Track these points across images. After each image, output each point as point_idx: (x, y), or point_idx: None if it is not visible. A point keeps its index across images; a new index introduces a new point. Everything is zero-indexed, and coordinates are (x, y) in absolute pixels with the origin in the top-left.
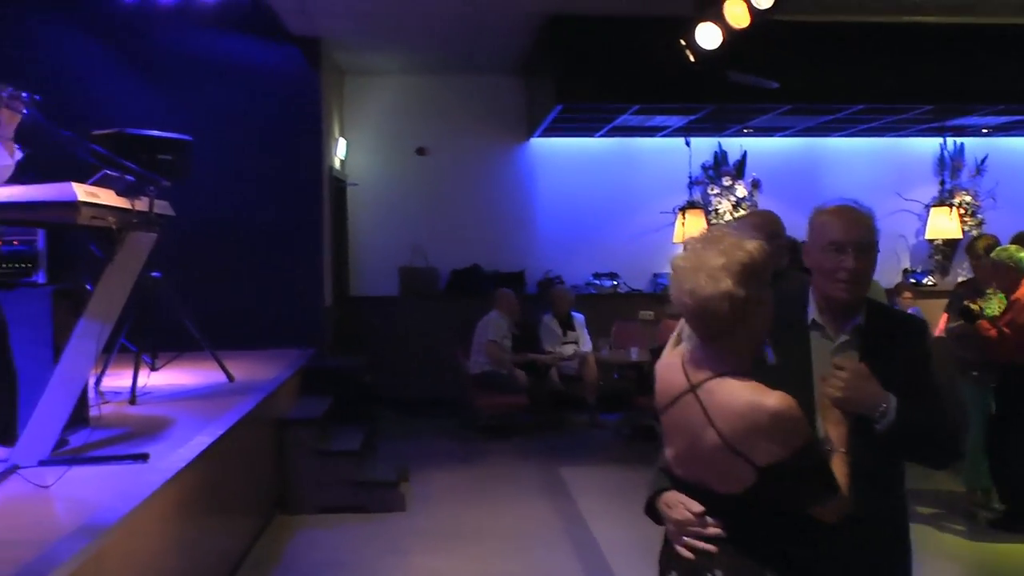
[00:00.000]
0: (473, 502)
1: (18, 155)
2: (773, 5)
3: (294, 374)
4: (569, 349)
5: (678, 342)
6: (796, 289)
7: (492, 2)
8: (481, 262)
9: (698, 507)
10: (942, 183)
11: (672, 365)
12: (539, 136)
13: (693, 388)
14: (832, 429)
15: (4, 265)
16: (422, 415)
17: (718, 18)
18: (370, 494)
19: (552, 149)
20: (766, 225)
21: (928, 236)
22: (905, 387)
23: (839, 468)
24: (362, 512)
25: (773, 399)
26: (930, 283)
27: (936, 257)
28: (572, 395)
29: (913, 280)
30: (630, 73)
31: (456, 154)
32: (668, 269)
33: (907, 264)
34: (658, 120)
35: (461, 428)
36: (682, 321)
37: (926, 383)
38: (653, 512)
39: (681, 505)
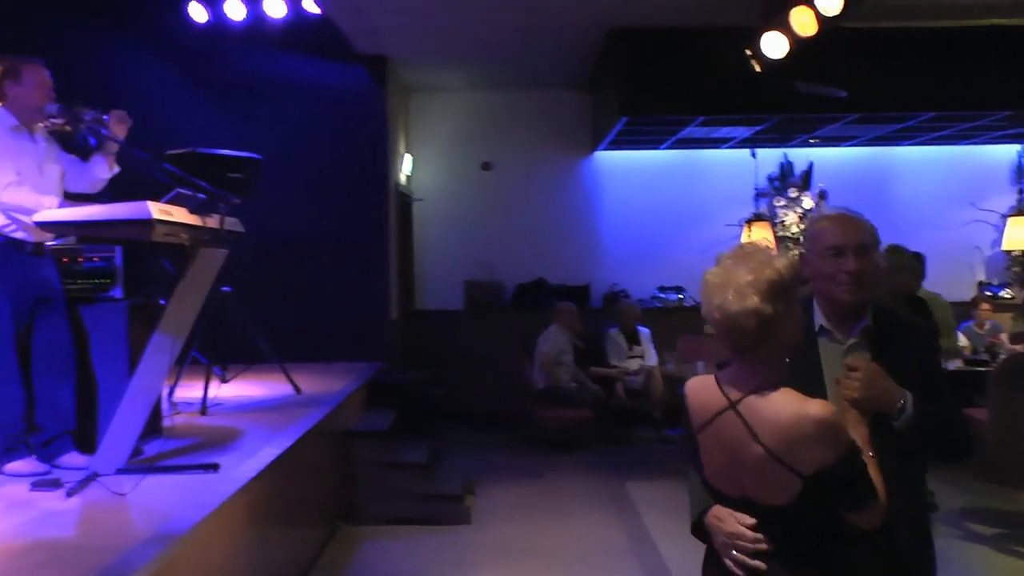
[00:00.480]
0: (538, 516)
1: (116, 170)
2: (842, 12)
3: (360, 387)
4: (635, 363)
5: None
6: (804, 301)
7: (556, 17)
8: (546, 276)
9: (749, 519)
10: (1020, 192)
11: (706, 384)
12: (603, 149)
13: (733, 405)
14: (853, 432)
15: (84, 281)
16: (487, 429)
17: (784, 26)
18: (436, 507)
19: (616, 162)
20: None
21: (1005, 247)
22: (918, 384)
23: (872, 473)
24: (428, 524)
25: (816, 407)
26: (1008, 296)
27: (1014, 269)
28: (638, 410)
29: (989, 293)
30: (695, 84)
31: (521, 168)
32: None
33: (982, 276)
34: (723, 132)
35: (526, 442)
36: None
37: (937, 380)
38: (698, 531)
39: (732, 518)
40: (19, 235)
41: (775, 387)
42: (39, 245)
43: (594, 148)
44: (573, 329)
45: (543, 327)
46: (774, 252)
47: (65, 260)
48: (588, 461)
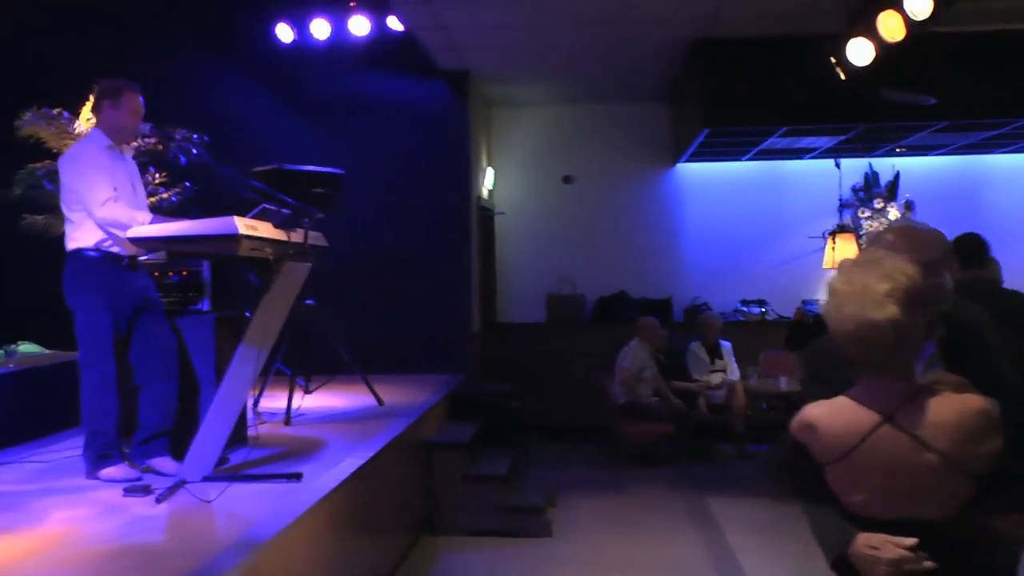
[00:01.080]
0: (620, 531)
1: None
2: (931, 16)
3: (442, 399)
4: (717, 377)
5: None
6: None
7: (640, 30)
8: (628, 289)
9: (909, 540)
10: None
11: (839, 408)
12: (685, 161)
13: (889, 418)
14: None
15: (174, 294)
16: (569, 442)
17: (870, 32)
18: (517, 519)
19: (698, 174)
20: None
21: None
22: (989, 387)
23: None
24: (509, 537)
25: (974, 400)
26: None
27: None
28: (720, 425)
29: None
30: (778, 95)
31: (602, 181)
32: (822, 294)
33: None
34: (806, 142)
35: (608, 456)
36: None
37: (1003, 380)
38: (841, 567)
39: (890, 544)
40: (115, 249)
41: (927, 392)
42: (133, 258)
43: (676, 160)
44: (655, 344)
45: (624, 341)
46: (898, 257)
47: (156, 274)
48: (669, 476)
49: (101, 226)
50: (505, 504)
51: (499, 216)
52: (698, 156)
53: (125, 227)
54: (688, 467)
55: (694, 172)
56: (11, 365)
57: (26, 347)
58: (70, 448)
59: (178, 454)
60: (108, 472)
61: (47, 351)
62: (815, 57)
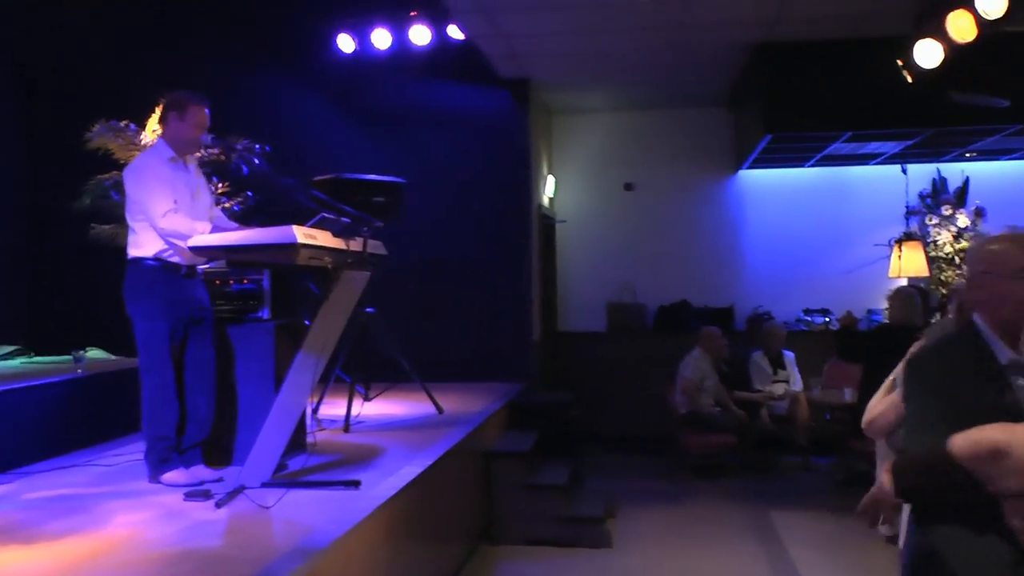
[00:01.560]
0: (680, 543)
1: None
2: (1005, 15)
3: (502, 407)
4: (779, 388)
5: (891, 388)
6: (965, 332)
7: (702, 35)
8: (689, 298)
9: None
10: None
11: None
12: (747, 168)
13: None
14: None
15: (234, 302)
16: (629, 452)
17: (939, 33)
18: (576, 529)
19: (760, 181)
20: None
21: None
22: None
23: None
24: (568, 547)
25: None
26: None
27: None
28: (782, 436)
29: None
30: (842, 99)
31: (664, 189)
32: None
33: None
34: (871, 147)
35: (669, 467)
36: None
37: None
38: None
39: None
40: (174, 259)
41: None
42: (192, 268)
43: (738, 167)
44: (717, 353)
45: (685, 350)
46: None
47: (217, 283)
48: (731, 488)
49: (163, 237)
50: (564, 514)
51: (560, 224)
52: (760, 162)
53: (185, 237)
54: (750, 479)
55: (756, 178)
56: (79, 371)
57: (94, 353)
58: (133, 452)
59: (219, 461)
60: (170, 476)
61: (113, 357)
62: (880, 59)
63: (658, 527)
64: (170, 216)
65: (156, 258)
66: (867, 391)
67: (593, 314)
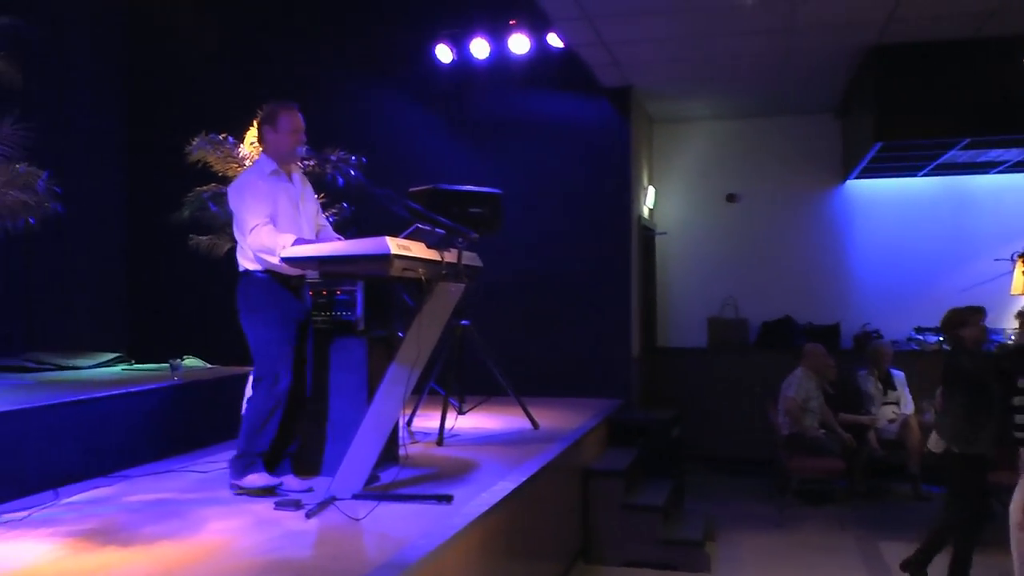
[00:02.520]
0: (783, 571)
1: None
2: None
3: (600, 424)
4: (889, 411)
5: None
6: None
7: (810, 39)
8: (793, 314)
9: None
10: None
11: None
12: (855, 178)
13: None
14: None
15: (329, 313)
16: (730, 473)
17: None
18: (674, 552)
19: (870, 191)
20: None
21: None
22: None
23: None
24: (666, 569)
25: None
26: None
27: None
28: (893, 462)
29: None
30: (959, 103)
31: (767, 200)
32: (1012, 323)
33: None
34: (992, 155)
35: (772, 490)
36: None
37: None
38: None
39: None
40: (283, 270)
41: None
42: (300, 277)
43: (845, 176)
44: (822, 373)
45: (789, 368)
46: None
47: (311, 293)
48: (837, 515)
49: (253, 252)
50: (662, 536)
51: (660, 236)
52: (870, 172)
53: (272, 251)
54: (858, 507)
55: (865, 189)
56: (175, 379)
57: (190, 362)
58: (226, 460)
59: (308, 471)
60: (250, 479)
61: (209, 366)
62: (1002, 60)
63: (760, 553)
64: (257, 231)
65: (266, 270)
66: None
67: (694, 329)
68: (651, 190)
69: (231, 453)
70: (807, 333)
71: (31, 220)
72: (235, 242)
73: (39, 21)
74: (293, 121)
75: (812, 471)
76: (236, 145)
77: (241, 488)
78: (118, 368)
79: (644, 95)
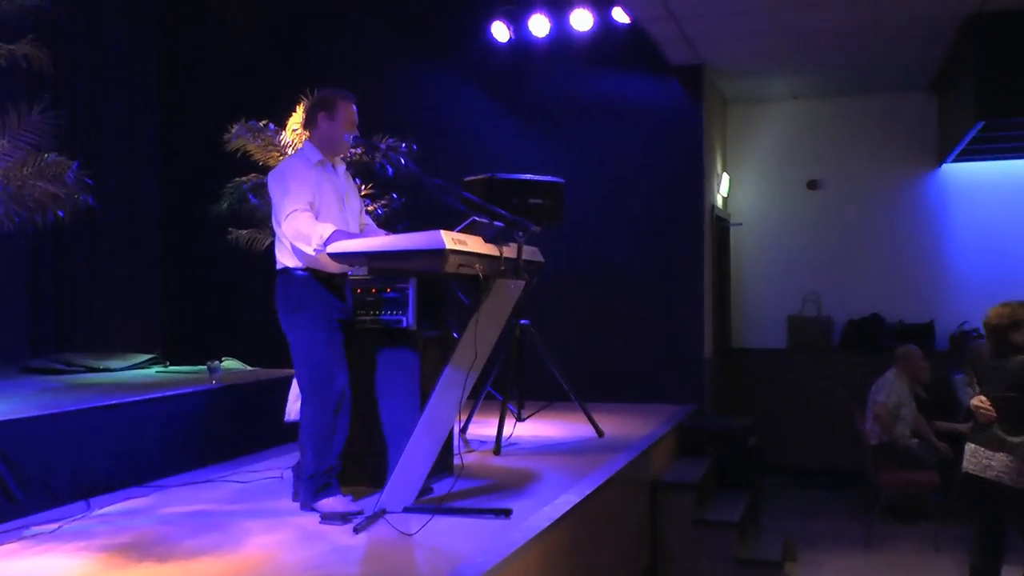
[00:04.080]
0: None
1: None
2: None
3: (669, 432)
4: None
5: None
6: None
7: (903, 8)
8: (883, 311)
9: None
10: None
11: None
12: (953, 161)
13: None
14: None
15: (377, 313)
16: (813, 486)
17: None
18: (751, 573)
19: (969, 176)
20: None
21: None
22: None
23: None
24: None
25: None
26: None
27: None
28: None
29: None
30: None
31: (853, 187)
32: None
33: None
34: None
35: (858, 505)
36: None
37: None
38: None
39: None
40: (324, 268)
41: None
42: (343, 275)
43: (941, 160)
44: (915, 376)
45: (877, 371)
46: None
47: (359, 291)
48: (932, 534)
49: (286, 239)
50: (737, 555)
51: (735, 227)
52: (969, 154)
53: (308, 240)
54: (954, 525)
55: (964, 173)
56: (213, 382)
57: (229, 364)
58: (269, 469)
59: (374, 485)
60: (327, 503)
61: (249, 368)
62: None
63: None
64: (294, 216)
65: (306, 268)
66: None
67: (772, 329)
68: (725, 177)
69: (275, 462)
70: (897, 333)
71: (60, 213)
72: (275, 236)
73: (69, 4)
74: (350, 113)
75: (904, 484)
76: (278, 132)
77: (323, 515)
78: (152, 370)
79: (717, 73)
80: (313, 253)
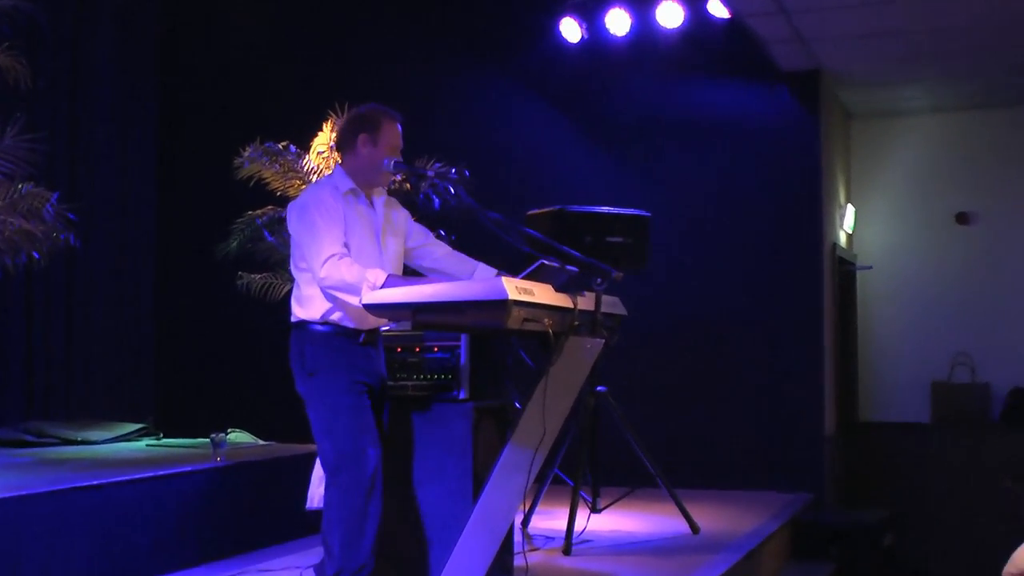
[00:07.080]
0: None
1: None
2: None
3: (781, 527)
4: None
5: None
6: None
7: None
8: None
9: None
10: None
11: None
12: None
13: None
14: None
15: (421, 377)
16: None
17: None
18: None
19: None
20: None
21: None
22: None
23: None
24: None
25: None
26: None
27: None
28: None
29: None
30: None
31: (1014, 220)
32: None
33: None
34: None
35: None
36: None
37: None
38: None
39: None
40: (347, 322)
41: None
42: (373, 332)
43: None
44: None
45: None
46: None
47: (399, 350)
48: None
49: (324, 291)
50: None
51: (863, 271)
52: None
53: (355, 291)
54: None
55: None
56: (218, 459)
57: (236, 436)
58: (287, 567)
59: None
60: None
61: (261, 442)
62: None
63: None
64: (333, 263)
65: (326, 321)
66: None
67: (912, 398)
68: (850, 209)
69: (293, 559)
70: None
71: (35, 255)
72: (294, 282)
73: (53, 7)
74: (395, 136)
75: None
76: (300, 156)
77: None
78: (142, 443)
79: (838, 81)
80: (358, 304)
